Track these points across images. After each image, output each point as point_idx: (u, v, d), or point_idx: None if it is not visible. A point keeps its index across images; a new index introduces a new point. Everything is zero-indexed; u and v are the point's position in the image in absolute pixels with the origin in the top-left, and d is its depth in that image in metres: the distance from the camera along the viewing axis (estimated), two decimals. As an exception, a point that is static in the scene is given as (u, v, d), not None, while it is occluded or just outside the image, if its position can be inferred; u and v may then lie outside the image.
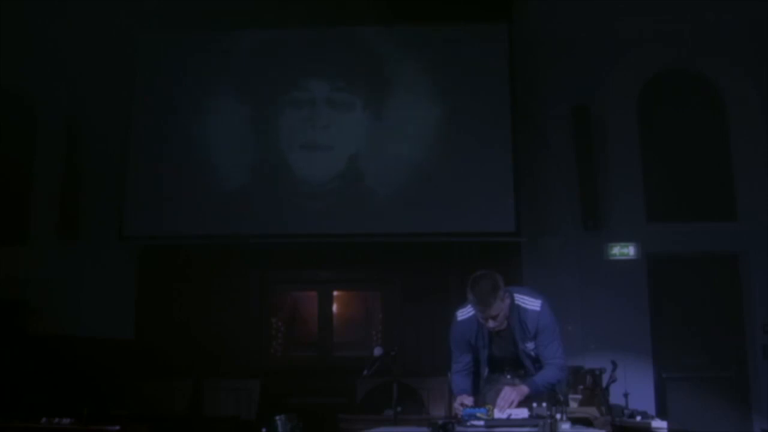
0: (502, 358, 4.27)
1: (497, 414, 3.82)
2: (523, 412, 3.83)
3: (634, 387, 6.87)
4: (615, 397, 6.33)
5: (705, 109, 8.60)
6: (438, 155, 8.24)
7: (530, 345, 4.17)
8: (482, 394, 4.29)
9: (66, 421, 5.34)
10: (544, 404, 3.79)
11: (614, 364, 5.95)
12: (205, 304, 8.29)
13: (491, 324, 4.07)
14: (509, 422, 3.73)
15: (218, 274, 8.37)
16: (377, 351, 5.60)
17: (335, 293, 8.63)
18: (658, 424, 5.13)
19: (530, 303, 4.16)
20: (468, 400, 4.05)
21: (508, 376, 4.25)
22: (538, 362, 4.21)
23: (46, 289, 8.17)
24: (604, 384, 5.99)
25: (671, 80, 8.68)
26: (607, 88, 8.53)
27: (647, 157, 8.49)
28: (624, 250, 8.25)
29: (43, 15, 8.39)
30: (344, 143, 8.36)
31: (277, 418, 4.31)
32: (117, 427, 5.21)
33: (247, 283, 8.43)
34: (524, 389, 3.99)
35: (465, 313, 4.25)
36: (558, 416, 3.64)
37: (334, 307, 8.61)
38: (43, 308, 7.92)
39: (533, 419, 3.70)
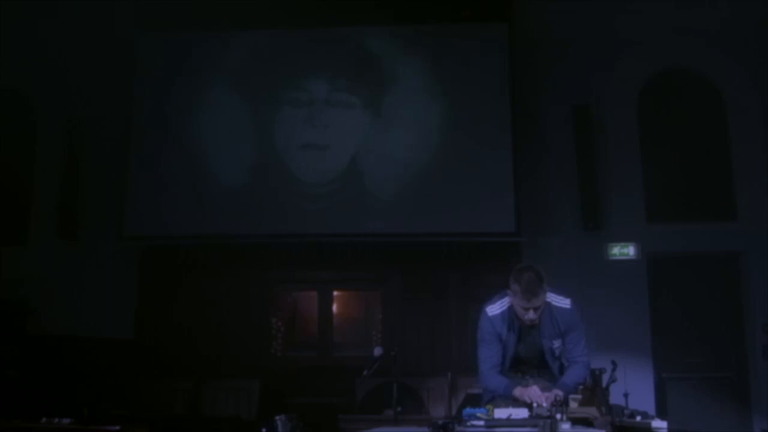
0: (527, 357, 4.30)
1: (498, 414, 3.81)
2: (523, 412, 3.83)
3: (634, 387, 6.87)
4: (615, 397, 6.33)
5: (705, 109, 8.60)
6: (438, 155, 8.24)
7: (556, 343, 4.22)
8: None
9: (66, 421, 5.36)
10: (545, 404, 3.81)
11: (614, 364, 5.95)
12: (205, 304, 8.30)
13: (531, 315, 4.08)
14: (509, 422, 3.72)
15: (218, 274, 8.38)
16: (377, 351, 5.62)
17: (335, 293, 8.63)
18: (658, 424, 5.12)
19: (561, 301, 4.23)
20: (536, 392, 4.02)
21: (529, 377, 4.26)
22: (559, 362, 4.25)
23: (46, 289, 8.18)
24: (604, 384, 5.99)
25: (671, 80, 8.68)
26: (607, 88, 8.53)
27: (647, 157, 8.49)
28: (624, 250, 8.25)
29: (43, 15, 8.40)
30: (344, 143, 8.36)
31: (277, 418, 4.33)
32: (117, 427, 5.22)
33: (247, 283, 8.43)
34: (559, 393, 3.98)
35: (495, 308, 4.25)
36: (558, 416, 3.65)
37: (334, 307, 8.61)
38: (43, 308, 7.92)
39: (533, 419, 3.70)
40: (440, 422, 3.65)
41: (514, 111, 8.19)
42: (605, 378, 6.05)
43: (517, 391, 4.06)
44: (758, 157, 8.31)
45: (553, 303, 4.20)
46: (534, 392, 3.99)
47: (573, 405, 5.78)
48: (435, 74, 8.42)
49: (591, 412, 5.58)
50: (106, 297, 8.26)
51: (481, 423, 3.69)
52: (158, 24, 8.61)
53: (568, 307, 4.23)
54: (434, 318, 8.21)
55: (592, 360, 4.55)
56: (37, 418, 5.41)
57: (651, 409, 7.36)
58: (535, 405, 3.85)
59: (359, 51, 8.51)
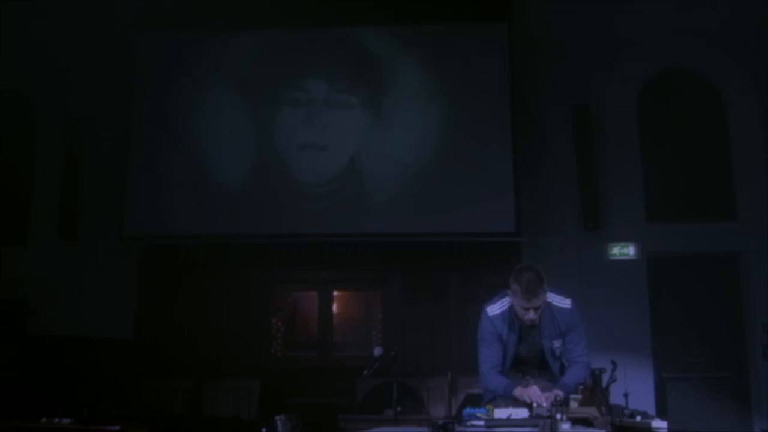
0: (528, 357, 4.30)
1: (498, 414, 3.81)
2: (523, 412, 3.83)
3: (634, 387, 6.87)
4: (615, 397, 6.33)
5: (705, 109, 8.60)
6: (438, 155, 8.24)
7: (557, 343, 4.22)
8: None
9: (66, 421, 5.36)
10: (545, 404, 3.81)
11: (614, 364, 5.95)
12: (205, 304, 8.30)
13: (531, 315, 4.07)
14: (509, 422, 3.72)
15: (218, 274, 8.38)
16: (377, 351, 5.62)
17: (335, 293, 8.63)
18: (658, 424, 5.12)
19: (561, 301, 4.23)
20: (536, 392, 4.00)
21: (529, 377, 4.26)
22: (559, 362, 4.25)
23: (46, 289, 8.18)
24: (604, 384, 5.99)
25: (671, 80, 8.68)
26: (607, 88, 8.53)
27: (647, 157, 8.49)
28: (624, 250, 8.25)
29: (43, 15, 8.40)
30: (344, 143, 8.36)
31: (277, 418, 4.33)
32: (117, 427, 5.22)
33: (247, 283, 8.43)
34: (559, 393, 3.98)
35: (496, 308, 4.25)
36: (558, 416, 3.65)
37: (334, 307, 8.61)
38: (43, 308, 7.92)
39: (533, 419, 3.70)
40: (440, 422, 3.65)
41: (514, 111, 8.19)
42: (605, 378, 6.05)
43: (518, 391, 4.06)
44: (758, 157, 8.31)
45: (554, 303, 4.20)
46: (534, 392, 3.99)
47: (573, 405, 5.79)
48: (435, 74, 8.42)
49: (591, 412, 5.59)
50: (106, 297, 8.26)
51: (481, 423, 3.69)
52: (158, 24, 8.61)
53: (569, 307, 4.23)
54: (434, 318, 8.21)
55: (592, 360, 4.54)
56: (37, 418, 5.41)
57: (651, 409, 7.36)
58: (535, 405, 3.85)
59: (359, 51, 8.50)
